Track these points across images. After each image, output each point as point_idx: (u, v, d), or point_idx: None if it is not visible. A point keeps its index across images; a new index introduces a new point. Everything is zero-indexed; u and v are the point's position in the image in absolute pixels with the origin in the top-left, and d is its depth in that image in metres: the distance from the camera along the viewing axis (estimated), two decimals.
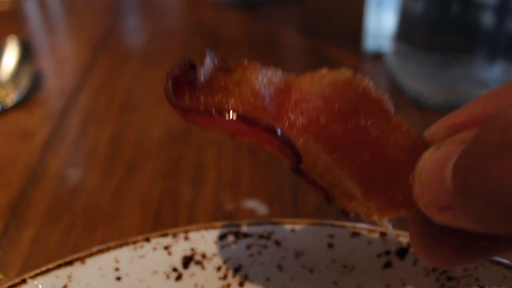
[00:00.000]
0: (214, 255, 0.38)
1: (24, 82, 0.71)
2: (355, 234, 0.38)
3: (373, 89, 0.29)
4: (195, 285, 0.38)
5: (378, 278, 0.37)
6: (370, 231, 0.38)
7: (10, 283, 0.35)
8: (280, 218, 0.40)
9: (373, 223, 0.31)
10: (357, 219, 0.48)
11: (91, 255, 0.37)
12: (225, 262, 0.38)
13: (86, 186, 0.54)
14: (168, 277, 0.38)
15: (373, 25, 0.77)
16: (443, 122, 0.28)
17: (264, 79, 0.30)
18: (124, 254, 0.38)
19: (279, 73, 0.31)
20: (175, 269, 0.38)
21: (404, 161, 0.28)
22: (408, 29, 0.69)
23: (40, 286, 0.35)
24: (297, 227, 0.39)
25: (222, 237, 0.39)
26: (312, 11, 0.97)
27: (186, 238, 0.39)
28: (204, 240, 0.39)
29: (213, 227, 0.39)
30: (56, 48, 0.89)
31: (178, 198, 0.52)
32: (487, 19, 0.64)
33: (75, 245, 0.47)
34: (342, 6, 0.96)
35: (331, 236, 0.39)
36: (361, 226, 0.39)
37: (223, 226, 0.39)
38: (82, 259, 0.37)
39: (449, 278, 0.36)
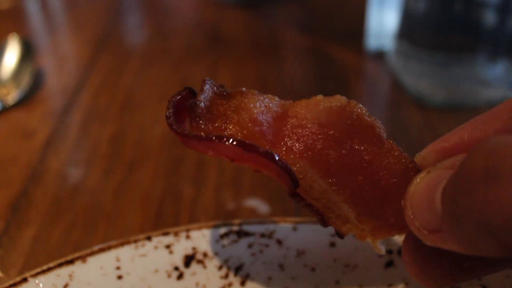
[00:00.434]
0: (216, 254, 0.38)
1: (25, 80, 0.71)
2: None
3: (366, 114, 0.31)
4: (197, 284, 0.38)
5: (380, 277, 0.37)
6: None
7: (11, 282, 0.35)
8: (281, 217, 0.40)
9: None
10: None
11: (92, 254, 0.37)
12: (226, 261, 0.38)
13: (87, 185, 0.54)
14: (169, 276, 0.38)
15: (375, 24, 0.77)
16: (433, 146, 0.30)
17: (262, 105, 0.31)
18: (125, 253, 0.37)
19: (276, 99, 0.32)
20: (176, 268, 0.38)
21: (396, 185, 0.29)
22: (410, 28, 0.69)
23: (41, 285, 0.35)
24: (299, 226, 0.39)
25: (223, 236, 0.39)
26: (314, 10, 0.97)
27: (188, 237, 0.39)
28: (206, 239, 0.39)
29: (215, 226, 0.39)
30: (57, 47, 0.88)
31: (180, 197, 0.52)
32: (489, 18, 0.64)
33: (76, 244, 0.47)
34: (343, 5, 0.96)
35: (333, 235, 0.38)
36: None
37: (225, 225, 0.39)
38: (83, 258, 0.37)
39: None
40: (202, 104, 0.31)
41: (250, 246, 0.39)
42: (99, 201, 0.52)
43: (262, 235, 0.39)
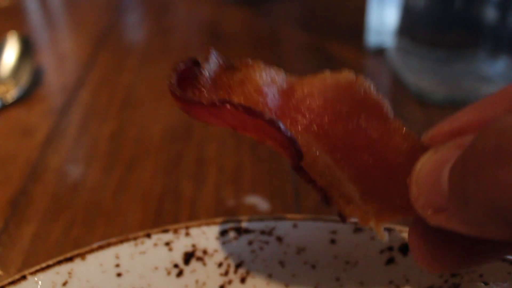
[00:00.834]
0: (216, 251, 0.38)
1: (25, 78, 0.70)
2: (358, 230, 0.38)
3: (374, 91, 0.30)
4: (196, 281, 0.37)
5: (381, 274, 0.37)
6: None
7: (10, 280, 0.34)
8: (282, 214, 0.40)
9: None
10: None
11: (92, 251, 0.37)
12: (226, 258, 0.38)
13: (87, 183, 0.54)
14: (169, 273, 0.37)
15: (375, 20, 0.77)
16: (441, 126, 0.29)
17: (268, 77, 0.30)
18: (124, 250, 0.37)
19: (282, 73, 0.31)
20: (176, 265, 0.38)
21: (402, 164, 0.29)
22: (410, 25, 0.69)
23: (40, 282, 0.35)
24: (299, 222, 0.39)
25: (223, 233, 0.39)
26: (314, 7, 0.96)
27: (187, 234, 0.38)
28: (205, 236, 0.39)
29: (215, 223, 0.39)
30: (57, 44, 0.88)
31: (179, 194, 0.52)
32: (490, 14, 0.63)
33: (76, 241, 0.47)
34: (343, 1, 0.96)
35: (333, 232, 0.38)
36: None
37: (225, 222, 0.39)
38: (82, 255, 0.37)
39: (453, 274, 0.36)
40: (206, 73, 0.30)
41: (250, 243, 0.39)
42: (99, 198, 0.52)
43: (262, 232, 0.39)
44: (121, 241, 0.38)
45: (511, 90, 0.27)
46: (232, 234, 0.39)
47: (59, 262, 0.36)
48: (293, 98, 0.30)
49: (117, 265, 0.37)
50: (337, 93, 0.30)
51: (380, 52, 0.77)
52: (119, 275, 0.37)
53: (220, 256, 0.38)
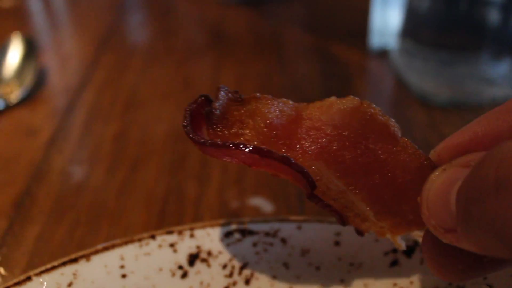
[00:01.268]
0: (220, 252, 0.38)
1: (28, 79, 0.71)
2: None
3: (380, 114, 0.31)
4: (201, 282, 0.37)
5: (385, 276, 0.37)
6: None
7: (15, 280, 0.35)
8: (286, 216, 0.40)
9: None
10: None
11: (96, 252, 0.37)
12: (231, 259, 0.38)
13: (91, 183, 0.54)
14: (173, 274, 0.37)
15: (378, 22, 0.77)
16: (448, 142, 0.30)
17: (276, 110, 0.32)
18: (129, 251, 0.37)
19: (290, 102, 0.33)
20: (180, 267, 0.38)
21: (412, 182, 0.30)
22: (414, 26, 0.69)
23: (45, 283, 0.35)
24: (303, 224, 0.39)
25: (227, 234, 0.39)
26: (317, 8, 0.96)
27: (192, 236, 0.39)
28: (210, 237, 0.39)
29: (219, 225, 0.39)
30: (60, 45, 0.88)
31: (183, 196, 0.52)
32: (493, 16, 0.64)
33: (80, 242, 0.47)
34: (347, 3, 0.96)
35: (337, 233, 0.38)
36: None
37: (229, 224, 0.39)
38: (87, 257, 0.37)
39: None
40: (218, 112, 0.32)
41: (254, 245, 0.39)
42: (103, 199, 0.52)
43: (267, 234, 0.39)
44: (126, 242, 0.38)
45: None
46: (236, 236, 0.39)
47: (64, 263, 0.36)
48: (302, 127, 0.32)
49: (122, 266, 0.37)
50: (343, 119, 0.31)
51: (383, 53, 0.77)
52: (123, 276, 0.37)
53: (224, 257, 0.38)
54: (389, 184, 0.30)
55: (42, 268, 0.36)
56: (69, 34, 0.93)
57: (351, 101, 0.31)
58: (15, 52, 0.73)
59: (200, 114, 0.32)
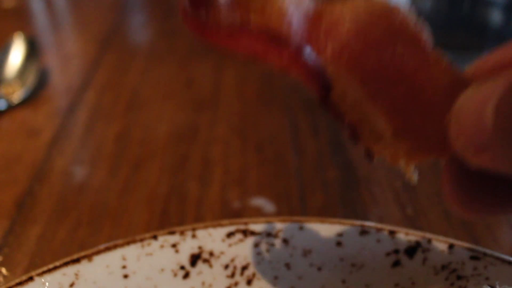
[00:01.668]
0: (222, 253, 0.38)
1: (30, 79, 0.71)
2: (364, 232, 0.38)
3: (413, 21, 0.27)
4: (203, 283, 0.37)
5: (387, 277, 0.37)
6: (379, 229, 0.38)
7: (17, 281, 0.35)
8: (288, 216, 0.40)
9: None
10: (365, 217, 0.48)
11: (98, 252, 0.37)
12: (232, 260, 0.38)
13: (93, 184, 0.54)
14: (175, 275, 0.37)
15: None
16: (486, 60, 0.26)
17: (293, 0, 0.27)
18: (131, 251, 0.37)
19: None
20: (182, 267, 0.38)
21: (441, 100, 0.26)
22: None
23: (47, 283, 0.35)
24: (305, 225, 0.39)
25: (229, 235, 0.39)
26: None
27: (194, 236, 0.38)
28: (212, 238, 0.39)
29: (221, 225, 0.39)
30: (62, 45, 0.88)
31: (185, 196, 0.52)
32: (496, 17, 0.64)
33: (82, 242, 0.47)
34: None
35: (339, 234, 0.38)
36: (370, 225, 0.38)
37: (231, 224, 0.39)
38: (89, 257, 0.37)
39: (459, 277, 0.36)
40: None
41: (256, 245, 0.39)
42: (105, 199, 0.52)
43: (268, 234, 0.39)
44: (128, 243, 0.38)
45: None
46: (238, 236, 0.39)
47: (66, 264, 0.36)
48: (321, 22, 0.27)
49: (124, 267, 0.37)
50: (370, 19, 0.27)
51: None
52: (125, 276, 0.37)
53: (226, 258, 0.38)
54: (415, 98, 0.26)
55: (44, 268, 0.36)
56: (71, 34, 0.93)
57: (381, 3, 0.27)
58: (17, 53, 0.73)
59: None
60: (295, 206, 0.50)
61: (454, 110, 0.24)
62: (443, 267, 0.36)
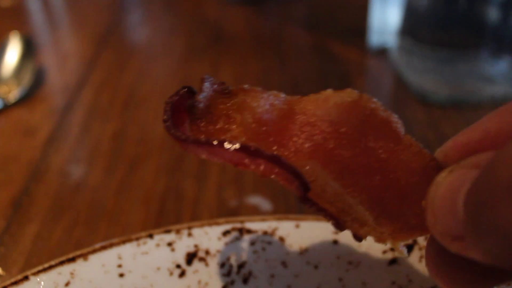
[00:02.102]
0: (218, 251, 0.38)
1: (27, 78, 0.70)
2: None
3: (381, 109, 0.28)
4: (199, 281, 0.37)
5: (383, 275, 0.37)
6: None
7: (12, 280, 0.34)
8: (284, 215, 0.40)
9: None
10: None
11: (94, 251, 0.37)
12: (229, 258, 0.38)
13: (89, 183, 0.54)
14: (171, 273, 0.37)
15: (377, 20, 0.77)
16: (456, 140, 0.27)
17: (266, 103, 0.29)
18: (127, 250, 0.37)
19: (282, 95, 0.30)
20: (178, 266, 0.38)
21: (416, 184, 0.27)
22: (413, 24, 0.68)
23: (42, 283, 0.35)
24: (302, 223, 0.39)
25: (226, 233, 0.39)
26: (316, 7, 0.96)
27: (190, 235, 0.38)
28: (208, 236, 0.38)
29: (217, 224, 0.39)
30: (59, 44, 0.88)
31: (182, 195, 0.51)
32: (493, 14, 0.63)
33: (78, 241, 0.47)
34: (346, 1, 0.96)
35: (336, 232, 0.38)
36: None
37: (227, 222, 0.39)
38: (85, 256, 0.36)
39: None
40: (201, 105, 0.29)
41: (252, 243, 0.39)
42: (101, 198, 0.51)
43: (265, 233, 0.39)
44: (124, 242, 0.38)
45: None
46: (234, 235, 0.39)
47: (62, 263, 0.36)
48: (295, 123, 0.29)
49: (120, 266, 0.37)
50: (341, 114, 0.28)
51: (382, 52, 0.77)
52: (121, 275, 0.37)
53: (222, 256, 0.38)
54: (390, 186, 0.27)
55: (40, 268, 0.35)
56: (67, 33, 0.93)
57: (349, 95, 0.28)
58: (13, 51, 0.73)
59: (183, 107, 0.29)
60: (292, 204, 0.50)
61: (428, 197, 0.25)
62: None
